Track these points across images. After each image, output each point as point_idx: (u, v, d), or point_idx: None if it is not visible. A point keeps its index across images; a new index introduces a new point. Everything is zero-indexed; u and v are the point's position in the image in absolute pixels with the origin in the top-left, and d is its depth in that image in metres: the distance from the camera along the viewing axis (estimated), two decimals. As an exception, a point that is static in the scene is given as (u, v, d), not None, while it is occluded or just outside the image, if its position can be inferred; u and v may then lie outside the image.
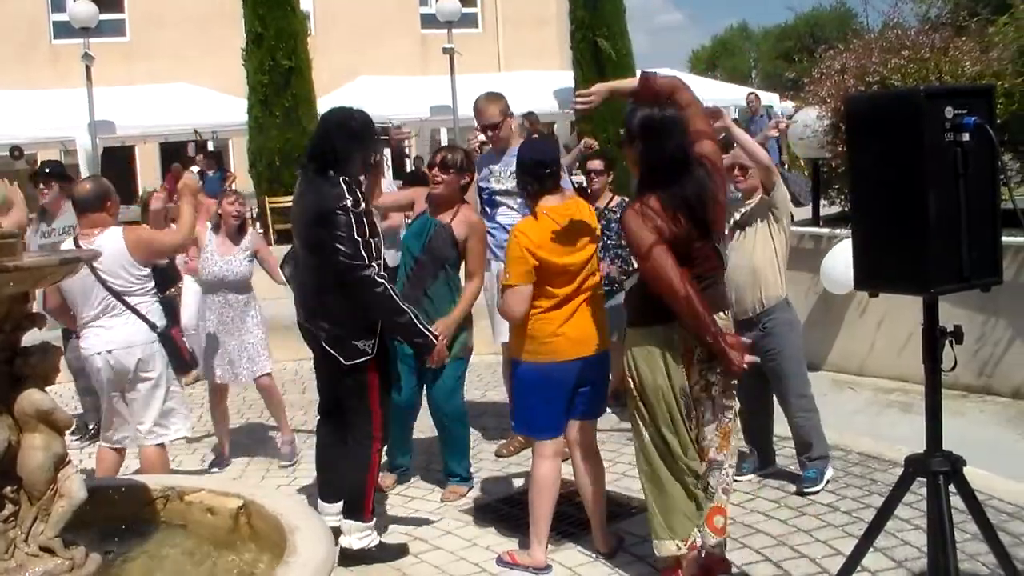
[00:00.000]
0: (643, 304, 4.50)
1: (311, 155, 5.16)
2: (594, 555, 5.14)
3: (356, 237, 4.86)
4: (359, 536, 5.11)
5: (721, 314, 4.47)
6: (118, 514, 4.19)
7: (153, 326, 5.60)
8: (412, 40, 29.07)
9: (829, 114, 9.08)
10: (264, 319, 7.25)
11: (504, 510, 5.77)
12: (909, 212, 3.47)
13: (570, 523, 5.45)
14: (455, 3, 21.37)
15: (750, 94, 22.36)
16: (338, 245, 4.85)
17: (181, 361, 5.89)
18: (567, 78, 20.68)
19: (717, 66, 59.01)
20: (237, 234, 7.13)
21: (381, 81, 22.81)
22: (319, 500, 5.45)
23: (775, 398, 6.03)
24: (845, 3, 53.73)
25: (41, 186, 7.56)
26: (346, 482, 5.22)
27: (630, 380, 4.53)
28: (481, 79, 22.62)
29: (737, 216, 5.89)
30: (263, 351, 7.15)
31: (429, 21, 27.02)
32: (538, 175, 4.91)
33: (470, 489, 6.22)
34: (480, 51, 27.61)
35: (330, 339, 5.07)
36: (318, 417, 5.57)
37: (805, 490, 5.81)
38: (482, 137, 7.58)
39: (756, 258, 5.78)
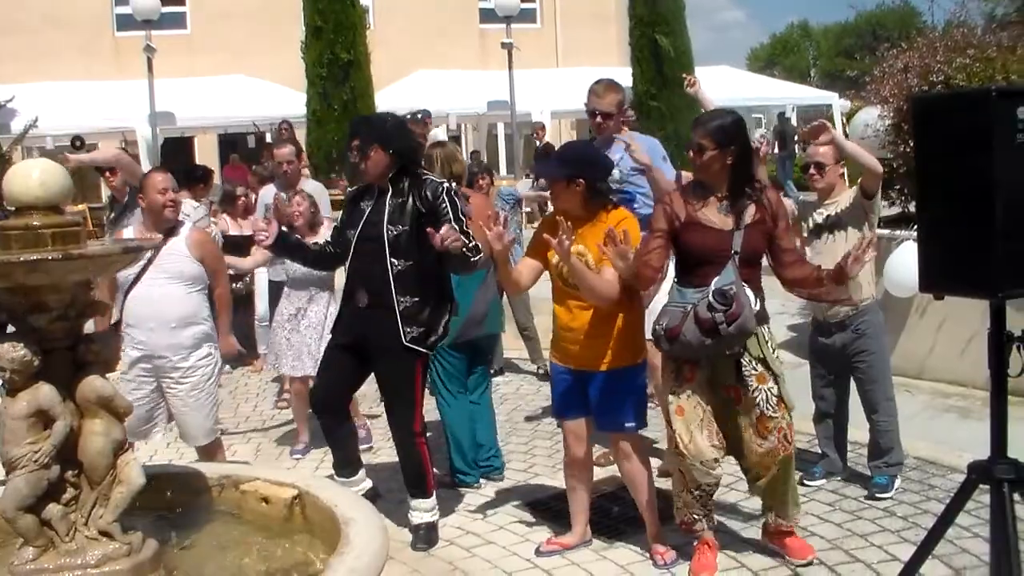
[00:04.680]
0: None
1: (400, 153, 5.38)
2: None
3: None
4: (429, 512, 5.39)
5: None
6: (174, 501, 4.24)
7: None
8: (470, 35, 29.09)
9: (891, 114, 8.95)
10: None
11: (557, 507, 5.74)
12: (977, 215, 3.40)
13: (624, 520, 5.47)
14: (514, -2, 21.28)
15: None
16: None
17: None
18: (625, 75, 20.58)
19: (776, 64, 58.49)
20: (311, 231, 7.13)
21: (439, 75, 22.85)
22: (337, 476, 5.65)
23: (861, 401, 5.92)
24: (908, 1, 53.06)
25: (107, 173, 7.64)
26: (406, 468, 5.48)
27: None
28: (539, 75, 22.66)
29: (819, 219, 5.78)
30: None
31: (488, 16, 26.99)
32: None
33: (460, 486, 6.25)
34: (538, 47, 27.56)
35: (409, 315, 5.24)
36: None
37: (877, 496, 5.71)
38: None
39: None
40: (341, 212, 5.66)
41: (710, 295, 4.51)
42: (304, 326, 7.14)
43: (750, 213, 4.66)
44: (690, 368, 4.75)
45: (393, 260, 5.22)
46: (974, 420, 6.91)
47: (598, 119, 6.12)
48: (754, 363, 4.68)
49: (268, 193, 8.58)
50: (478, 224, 5.07)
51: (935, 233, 3.63)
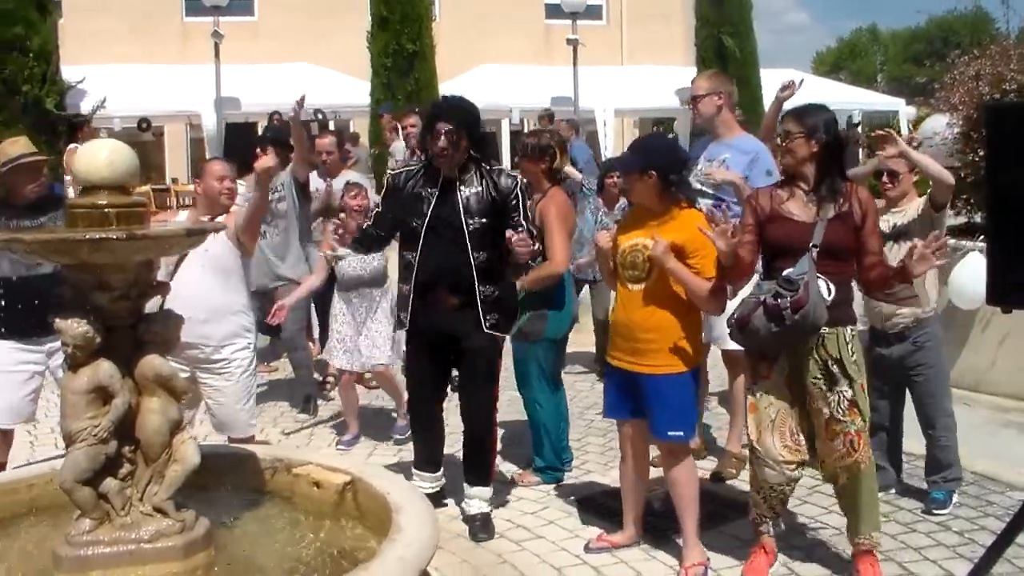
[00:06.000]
0: None
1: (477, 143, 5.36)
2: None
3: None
4: (487, 502, 5.51)
5: None
6: (227, 482, 4.28)
7: None
8: (536, 30, 29.08)
9: (960, 122, 8.80)
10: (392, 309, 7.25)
11: (608, 504, 5.72)
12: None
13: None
14: (581, -6, 21.20)
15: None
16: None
17: None
18: (689, 74, 20.45)
19: (842, 68, 57.81)
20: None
21: (503, 69, 22.85)
22: (418, 471, 5.69)
23: (917, 415, 5.81)
24: (981, 7, 52.23)
25: None
26: (473, 455, 5.58)
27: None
28: (603, 72, 22.57)
29: (884, 227, 5.58)
30: (385, 342, 7.18)
31: (553, 11, 26.91)
32: None
33: (547, 483, 6.24)
34: (603, 44, 27.49)
35: (489, 303, 5.27)
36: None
37: (935, 511, 5.61)
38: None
39: None
40: (383, 196, 5.59)
41: (777, 282, 4.48)
42: (357, 322, 7.17)
43: (835, 206, 4.60)
44: (767, 366, 4.71)
45: (475, 253, 5.20)
46: (1035, 436, 6.79)
47: (689, 105, 6.20)
48: (830, 363, 4.60)
49: (313, 182, 8.65)
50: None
51: (1004, 245, 3.57)
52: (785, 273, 4.48)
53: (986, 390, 8.18)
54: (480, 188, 5.25)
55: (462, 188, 5.25)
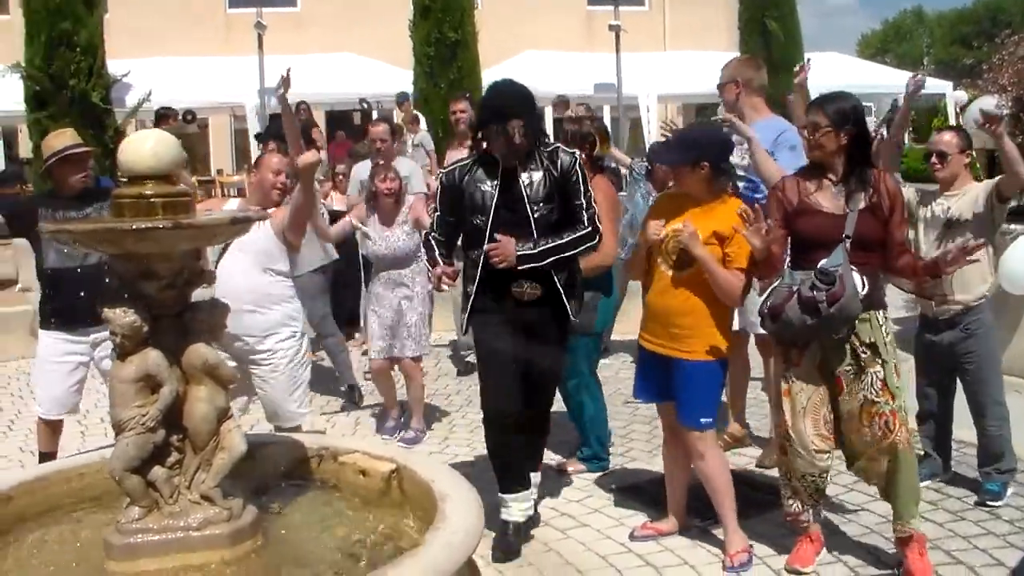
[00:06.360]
0: None
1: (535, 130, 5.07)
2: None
3: None
4: (535, 488, 5.34)
5: None
6: (274, 470, 4.31)
7: None
8: (578, 16, 28.95)
9: (1010, 103, 8.69)
10: (429, 295, 7.26)
11: (653, 491, 5.70)
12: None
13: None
14: (623, -21, 21.09)
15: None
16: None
17: None
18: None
19: (888, 51, 57.17)
20: (395, 207, 7.17)
21: (546, 56, 22.77)
22: (506, 495, 5.17)
23: (968, 403, 5.73)
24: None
25: None
26: (532, 446, 5.35)
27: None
28: (646, 57, 22.45)
29: (938, 210, 5.57)
30: (419, 331, 7.15)
31: (595, -3, 26.87)
32: None
33: (593, 472, 6.22)
34: (645, 29, 27.33)
35: (567, 289, 5.05)
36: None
37: (988, 503, 5.53)
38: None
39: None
40: (438, 197, 5.19)
41: (814, 274, 4.45)
42: (387, 306, 7.13)
43: (864, 197, 4.57)
44: (798, 352, 4.68)
45: (542, 241, 4.93)
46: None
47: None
48: (863, 348, 4.58)
49: (363, 169, 8.64)
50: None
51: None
52: (821, 265, 4.45)
53: (1033, 375, 8.05)
54: (541, 172, 4.96)
55: (523, 175, 4.97)
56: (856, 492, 5.64)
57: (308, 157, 5.43)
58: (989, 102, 9.05)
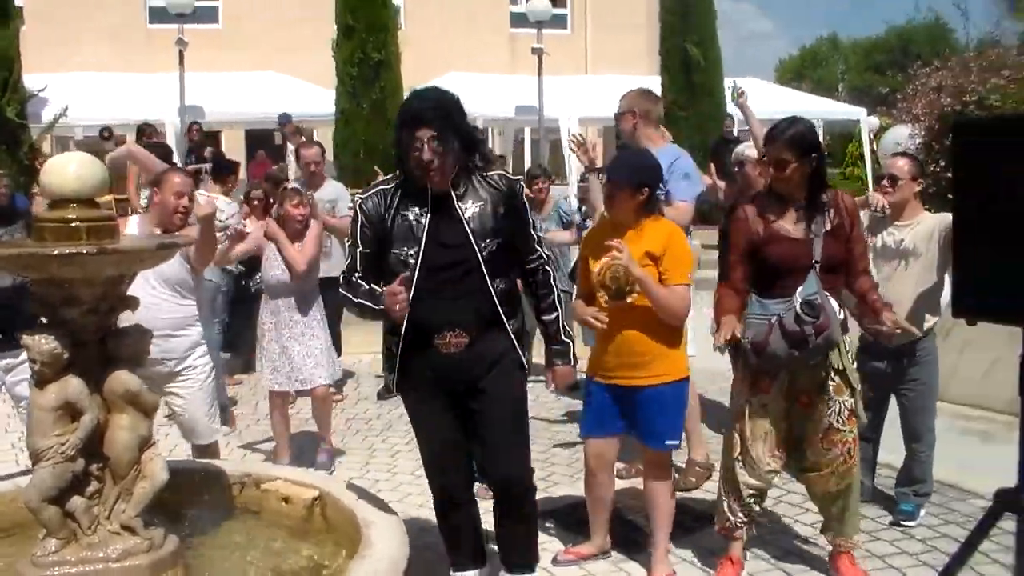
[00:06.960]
0: None
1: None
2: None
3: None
4: None
5: None
6: (195, 498, 4.25)
7: None
8: (501, 38, 29.11)
9: (923, 132, 8.92)
10: (325, 322, 6.98)
11: (575, 516, 5.69)
12: (1013, 241, 3.36)
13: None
14: (546, 3, 21.17)
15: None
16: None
17: None
18: (654, 83, 20.56)
19: (804, 77, 58.25)
20: (301, 234, 6.88)
21: (469, 78, 22.84)
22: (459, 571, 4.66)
23: (902, 428, 5.79)
24: (940, 18, 52.80)
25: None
26: (515, 535, 4.56)
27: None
28: (568, 81, 22.63)
29: (890, 240, 5.54)
30: (324, 358, 6.87)
31: (519, 20, 26.97)
32: None
33: None
34: (568, 52, 27.56)
35: (517, 333, 4.39)
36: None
37: (903, 523, 5.66)
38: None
39: (923, 282, 5.49)
40: (356, 228, 4.28)
41: (797, 306, 4.47)
42: (285, 337, 6.80)
43: (827, 220, 4.63)
44: (768, 381, 4.73)
45: (494, 281, 4.20)
46: (997, 444, 6.83)
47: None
48: (832, 374, 4.66)
49: (330, 190, 8.67)
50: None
51: (972, 259, 3.59)
52: (804, 298, 4.47)
53: (948, 399, 8.19)
54: (484, 199, 4.22)
55: (463, 204, 4.20)
56: (784, 504, 5.82)
57: (204, 209, 5.44)
58: (903, 132, 9.29)
